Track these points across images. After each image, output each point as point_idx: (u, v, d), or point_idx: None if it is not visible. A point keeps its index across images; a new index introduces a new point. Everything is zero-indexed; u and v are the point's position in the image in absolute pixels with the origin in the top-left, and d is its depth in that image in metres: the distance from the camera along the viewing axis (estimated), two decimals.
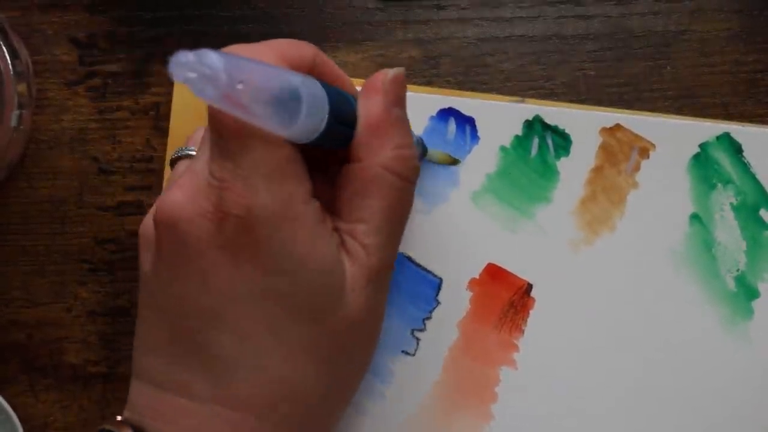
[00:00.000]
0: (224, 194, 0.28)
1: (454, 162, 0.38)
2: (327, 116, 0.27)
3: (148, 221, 0.31)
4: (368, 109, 0.30)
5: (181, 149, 0.35)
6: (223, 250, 0.28)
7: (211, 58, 0.22)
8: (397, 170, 0.30)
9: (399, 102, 0.31)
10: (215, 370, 0.29)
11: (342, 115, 0.29)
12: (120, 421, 0.30)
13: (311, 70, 0.30)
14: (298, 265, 0.28)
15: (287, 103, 0.25)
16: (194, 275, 0.29)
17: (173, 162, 0.35)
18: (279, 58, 0.28)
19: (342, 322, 0.30)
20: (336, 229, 0.30)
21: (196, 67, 0.22)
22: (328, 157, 0.32)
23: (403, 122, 0.31)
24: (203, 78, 0.22)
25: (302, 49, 0.30)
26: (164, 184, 0.39)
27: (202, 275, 0.29)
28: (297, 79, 0.25)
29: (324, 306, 0.29)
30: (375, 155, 0.30)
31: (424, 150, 0.37)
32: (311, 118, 0.26)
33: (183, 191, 0.29)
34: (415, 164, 0.31)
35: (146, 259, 0.31)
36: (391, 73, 0.31)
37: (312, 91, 0.26)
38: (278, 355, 0.29)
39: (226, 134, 0.28)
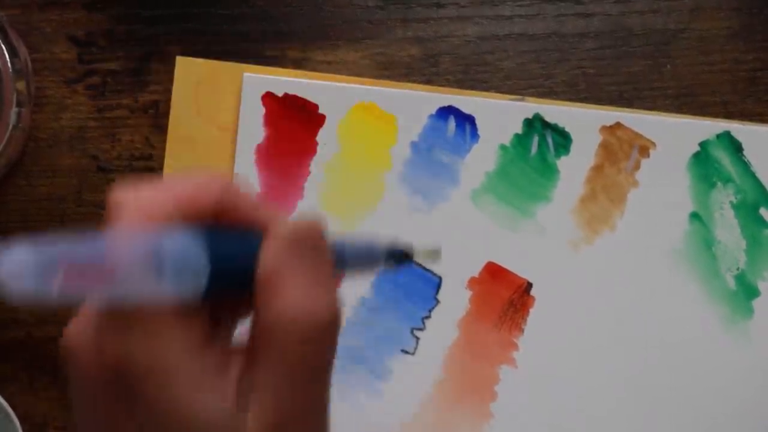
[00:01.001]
0: (104, 336, 0.26)
1: (436, 256, 0.33)
2: (207, 274, 0.25)
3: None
4: (264, 260, 0.27)
5: None
6: (110, 394, 0.27)
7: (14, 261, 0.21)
8: (292, 330, 0.27)
9: (300, 252, 0.27)
10: None
11: (238, 265, 0.26)
12: None
13: (216, 213, 0.27)
14: (175, 420, 0.26)
15: (143, 270, 0.23)
16: (89, 414, 0.28)
17: None
18: (167, 210, 0.26)
19: None
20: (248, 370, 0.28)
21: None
22: None
23: (306, 276, 0.27)
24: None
25: (201, 193, 0.28)
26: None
27: (95, 416, 0.27)
28: (143, 250, 0.24)
29: None
30: (267, 310, 0.27)
31: (406, 255, 0.30)
32: (180, 281, 0.24)
33: (81, 321, 0.28)
34: (320, 321, 0.27)
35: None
36: (289, 224, 0.27)
37: (178, 252, 0.24)
38: None
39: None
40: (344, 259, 0.29)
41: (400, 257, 0.30)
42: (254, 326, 0.28)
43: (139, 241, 0.24)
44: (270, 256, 0.27)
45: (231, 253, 0.27)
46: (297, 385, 0.28)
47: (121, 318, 0.26)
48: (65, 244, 0.23)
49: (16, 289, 0.21)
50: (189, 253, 0.25)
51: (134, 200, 0.27)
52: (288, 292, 0.27)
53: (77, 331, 0.28)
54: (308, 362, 0.28)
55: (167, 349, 0.26)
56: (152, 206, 0.27)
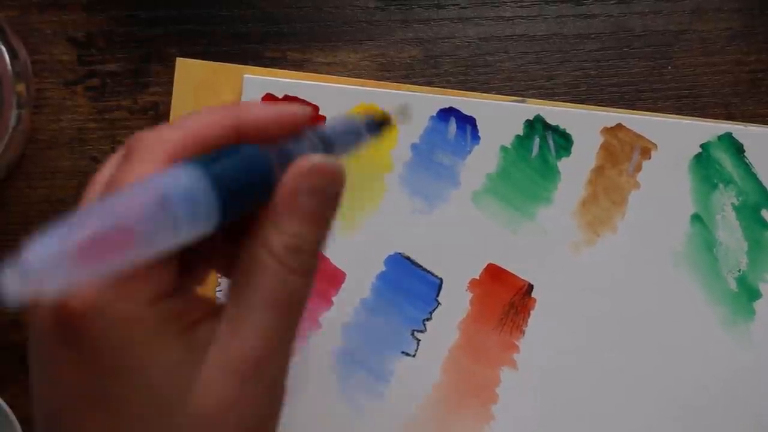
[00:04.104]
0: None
1: (408, 110, 0.31)
2: (218, 207, 0.25)
3: None
4: (278, 189, 0.28)
5: None
6: (61, 345, 0.27)
7: (32, 261, 0.21)
8: (283, 257, 0.28)
9: (314, 193, 0.28)
10: None
11: (251, 183, 0.26)
12: None
13: (233, 138, 0.28)
14: (130, 368, 0.26)
15: (159, 220, 0.23)
16: (39, 369, 0.28)
17: None
18: (182, 144, 0.26)
19: (196, 421, 0.27)
20: (217, 314, 0.28)
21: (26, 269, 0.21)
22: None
23: (312, 215, 0.28)
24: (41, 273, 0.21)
25: (213, 122, 0.28)
26: None
27: (45, 370, 0.28)
28: (156, 196, 0.23)
29: (168, 409, 0.27)
30: (264, 237, 0.28)
31: (382, 123, 0.31)
32: (197, 219, 0.24)
33: None
34: (309, 260, 0.28)
35: None
36: (315, 160, 0.28)
37: (188, 193, 0.24)
38: None
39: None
40: (333, 141, 0.29)
41: (379, 122, 0.31)
42: (245, 251, 0.28)
43: (146, 191, 0.24)
44: (287, 186, 0.28)
45: (240, 186, 0.26)
46: (282, 321, 0.28)
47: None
48: (73, 223, 0.22)
49: (49, 288, 0.21)
50: (199, 194, 0.24)
51: (148, 140, 0.27)
52: (290, 226, 0.27)
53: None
54: (294, 296, 0.28)
55: (128, 300, 0.26)
56: (167, 144, 0.27)
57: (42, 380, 0.28)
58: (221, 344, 0.28)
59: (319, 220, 0.29)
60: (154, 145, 0.27)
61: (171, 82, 0.39)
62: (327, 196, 0.29)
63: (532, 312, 0.38)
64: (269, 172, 0.27)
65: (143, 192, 0.24)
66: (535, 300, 0.38)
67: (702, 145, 0.39)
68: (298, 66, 0.39)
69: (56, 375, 0.27)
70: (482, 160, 0.39)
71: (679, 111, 0.39)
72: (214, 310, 0.28)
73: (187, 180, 0.24)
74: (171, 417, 0.27)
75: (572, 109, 0.39)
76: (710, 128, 0.39)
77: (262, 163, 0.27)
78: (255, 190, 0.27)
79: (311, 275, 0.29)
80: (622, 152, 0.39)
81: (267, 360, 0.28)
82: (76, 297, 0.26)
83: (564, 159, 0.39)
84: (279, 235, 0.28)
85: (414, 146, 0.39)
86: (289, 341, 0.29)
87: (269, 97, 0.39)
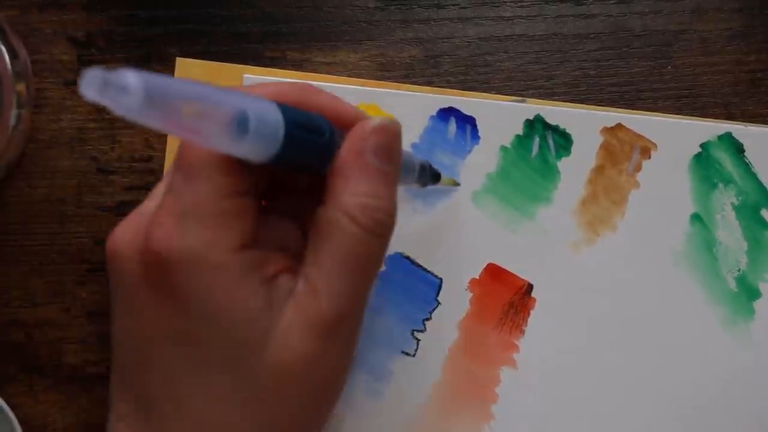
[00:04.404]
0: (154, 230, 0.28)
1: (456, 184, 0.38)
2: (282, 138, 0.26)
3: None
4: (343, 151, 0.29)
5: None
6: (149, 288, 0.28)
7: (127, 73, 0.21)
8: (358, 218, 0.29)
9: (379, 151, 0.29)
10: (144, 406, 0.29)
11: (309, 139, 0.28)
12: None
13: (302, 104, 0.29)
14: (214, 313, 0.28)
15: (234, 122, 0.24)
16: (127, 312, 0.29)
17: None
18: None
19: (272, 372, 0.29)
20: (294, 272, 0.30)
21: (110, 82, 0.21)
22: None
23: (381, 174, 0.29)
24: (118, 92, 0.21)
25: (284, 90, 0.30)
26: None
27: (132, 313, 0.29)
28: (243, 99, 0.25)
29: (246, 355, 0.28)
30: (337, 199, 0.29)
31: (434, 176, 0.36)
32: (260, 138, 0.25)
33: (126, 226, 0.29)
34: (384, 219, 0.29)
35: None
36: (378, 120, 0.30)
37: (263, 110, 0.25)
38: (203, 397, 0.29)
39: (179, 167, 0.28)
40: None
41: (430, 174, 0.36)
42: (320, 214, 0.29)
43: (230, 95, 0.25)
44: (353, 147, 0.29)
45: (305, 126, 0.28)
46: (358, 282, 0.30)
47: (174, 215, 0.27)
48: (181, 83, 0.23)
49: (124, 102, 0.21)
50: (272, 116, 0.26)
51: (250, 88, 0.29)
52: (361, 185, 0.29)
53: (122, 234, 0.29)
54: (370, 257, 0.30)
55: (219, 246, 0.27)
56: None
57: (127, 321, 0.29)
58: (299, 301, 0.29)
59: (387, 176, 0.30)
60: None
61: None
62: (391, 153, 0.30)
63: (531, 311, 0.38)
64: (332, 133, 0.29)
65: (227, 95, 0.25)
66: (534, 299, 0.38)
67: (702, 145, 0.39)
68: (298, 66, 0.39)
69: (143, 316, 0.29)
70: (482, 160, 0.39)
71: (679, 111, 0.39)
72: (289, 267, 0.30)
73: (263, 102, 0.26)
74: (248, 363, 0.28)
75: (572, 109, 0.39)
76: (710, 128, 0.39)
77: (325, 123, 0.29)
78: (316, 141, 0.28)
79: (387, 234, 0.30)
80: (622, 152, 0.39)
81: (343, 320, 0.29)
82: (164, 244, 0.27)
83: (564, 159, 0.39)
84: (351, 195, 0.29)
85: (414, 146, 0.39)
86: (363, 301, 0.30)
87: None
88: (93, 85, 0.21)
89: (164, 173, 0.32)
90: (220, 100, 0.24)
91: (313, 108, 0.29)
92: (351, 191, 0.29)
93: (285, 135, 0.26)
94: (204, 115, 0.23)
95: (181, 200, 0.27)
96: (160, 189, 0.30)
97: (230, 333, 0.28)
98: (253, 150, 0.25)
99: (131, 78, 0.21)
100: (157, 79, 0.22)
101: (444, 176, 0.37)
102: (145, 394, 0.29)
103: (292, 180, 0.33)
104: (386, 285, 0.38)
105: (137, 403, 0.29)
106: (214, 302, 0.28)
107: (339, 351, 0.30)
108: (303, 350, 0.29)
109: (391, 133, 0.30)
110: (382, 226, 0.29)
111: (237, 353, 0.28)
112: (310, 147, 0.28)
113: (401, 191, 0.39)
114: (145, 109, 0.21)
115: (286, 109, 0.27)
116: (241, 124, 0.24)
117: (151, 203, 0.30)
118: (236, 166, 0.28)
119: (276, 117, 0.26)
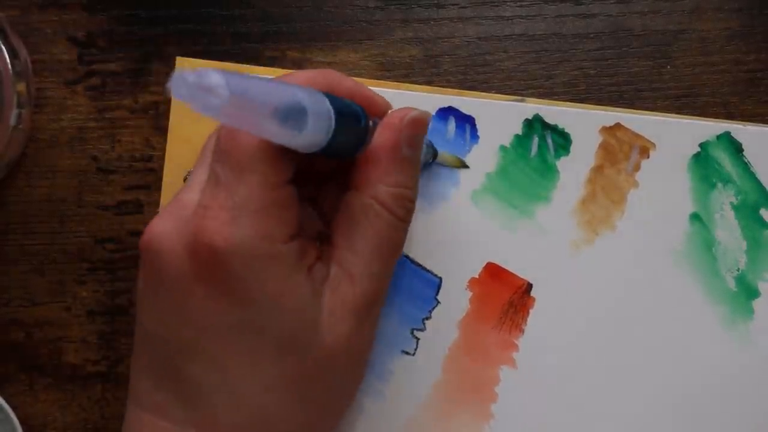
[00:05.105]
0: (207, 223, 0.28)
1: (464, 165, 0.38)
2: (333, 128, 0.27)
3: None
4: (378, 141, 0.30)
5: None
6: (200, 281, 0.29)
7: (212, 75, 0.22)
8: (391, 206, 0.30)
9: (412, 142, 0.31)
10: (190, 396, 0.30)
11: (349, 127, 0.29)
12: None
13: (331, 91, 0.30)
14: (271, 302, 0.29)
15: (293, 114, 0.25)
16: (171, 304, 0.29)
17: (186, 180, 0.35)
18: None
19: (319, 355, 0.30)
20: (324, 257, 0.31)
21: (198, 83, 0.22)
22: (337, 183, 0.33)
23: (411, 164, 0.31)
24: (205, 93, 0.22)
25: (311, 78, 0.31)
26: (163, 187, 0.39)
27: (179, 305, 0.29)
28: (302, 92, 0.26)
29: (299, 341, 0.30)
30: (372, 186, 0.30)
31: (434, 153, 0.37)
32: (317, 129, 0.26)
33: (166, 219, 0.30)
34: (411, 206, 0.31)
35: (140, 277, 0.31)
36: (414, 113, 0.31)
37: (318, 103, 0.26)
38: (256, 384, 0.29)
39: (225, 161, 0.28)
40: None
41: (434, 150, 0.37)
42: (353, 201, 0.31)
43: (287, 90, 0.26)
44: (389, 138, 0.31)
45: (347, 115, 0.29)
46: (388, 266, 0.32)
47: (227, 209, 0.28)
48: (258, 83, 0.24)
49: (211, 103, 0.22)
50: (325, 108, 0.27)
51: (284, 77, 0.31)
52: (395, 176, 0.30)
53: (163, 226, 0.30)
54: (398, 242, 0.32)
55: (273, 238, 0.28)
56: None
57: (170, 314, 0.30)
58: (335, 286, 0.30)
59: (414, 165, 0.32)
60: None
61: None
62: (419, 143, 0.32)
63: (531, 311, 0.38)
64: (366, 119, 0.30)
65: (286, 89, 0.25)
66: (534, 299, 0.38)
67: (701, 145, 0.39)
68: (298, 65, 0.39)
69: (192, 308, 0.29)
70: (481, 160, 0.39)
71: (678, 110, 0.39)
72: (319, 254, 0.31)
73: (317, 95, 0.27)
74: (301, 349, 0.30)
75: (571, 109, 0.39)
76: (709, 127, 0.39)
77: (361, 110, 0.30)
78: (356, 128, 0.29)
79: (410, 220, 0.32)
80: (621, 151, 0.39)
81: (376, 301, 0.31)
82: (219, 237, 0.28)
83: (563, 158, 0.39)
84: (386, 185, 0.30)
85: None
86: (388, 282, 0.32)
87: None
88: (183, 87, 0.21)
89: (198, 162, 0.32)
90: (282, 96, 0.25)
91: (342, 94, 0.30)
92: (386, 181, 0.30)
93: (335, 124, 0.27)
94: (274, 113, 0.24)
95: (234, 193, 0.28)
96: (197, 179, 0.31)
97: (286, 322, 0.29)
98: (309, 141, 0.26)
99: (217, 79, 0.22)
100: (239, 80, 0.23)
101: (451, 156, 0.38)
102: (190, 385, 0.29)
103: (314, 166, 0.33)
104: None
105: (179, 393, 0.30)
106: (272, 292, 0.29)
107: (370, 330, 0.32)
108: (346, 333, 0.30)
109: (423, 125, 0.31)
110: (409, 213, 0.31)
111: (291, 341, 0.29)
112: (351, 134, 0.29)
113: None
114: (228, 108, 0.22)
115: (332, 98, 0.27)
116: (301, 117, 0.25)
117: (190, 195, 0.30)
118: (282, 156, 0.28)
119: (328, 108, 0.27)
